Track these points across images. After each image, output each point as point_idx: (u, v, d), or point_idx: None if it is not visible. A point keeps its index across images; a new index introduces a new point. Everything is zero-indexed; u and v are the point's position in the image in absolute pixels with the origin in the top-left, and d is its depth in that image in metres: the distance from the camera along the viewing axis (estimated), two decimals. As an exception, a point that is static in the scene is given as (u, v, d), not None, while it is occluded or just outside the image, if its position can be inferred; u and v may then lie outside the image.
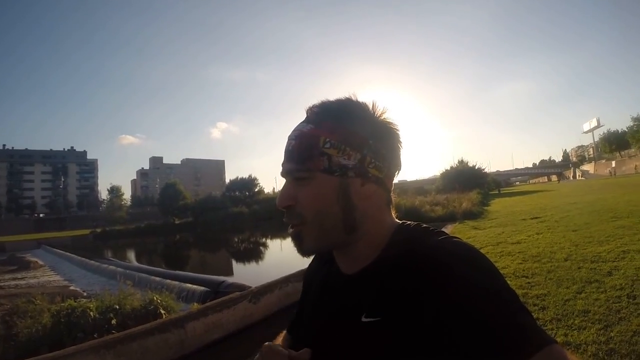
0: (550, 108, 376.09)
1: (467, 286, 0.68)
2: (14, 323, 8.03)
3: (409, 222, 0.93)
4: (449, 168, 52.76)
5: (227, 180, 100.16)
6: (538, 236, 10.43)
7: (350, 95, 0.90)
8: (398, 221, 0.94)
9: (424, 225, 0.91)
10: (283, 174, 0.91)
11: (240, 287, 9.58)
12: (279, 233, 32.61)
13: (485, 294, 0.67)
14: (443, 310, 0.67)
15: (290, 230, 0.89)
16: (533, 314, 3.45)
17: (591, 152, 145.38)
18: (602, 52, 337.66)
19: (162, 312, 7.89)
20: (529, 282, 6.22)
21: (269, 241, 34.62)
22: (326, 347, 0.86)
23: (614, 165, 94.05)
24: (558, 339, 4.01)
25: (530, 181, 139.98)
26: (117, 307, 7.70)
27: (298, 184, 0.87)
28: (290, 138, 0.90)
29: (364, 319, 0.80)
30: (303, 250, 0.89)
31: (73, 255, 28.95)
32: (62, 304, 7.76)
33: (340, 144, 0.85)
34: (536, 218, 14.65)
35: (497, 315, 0.63)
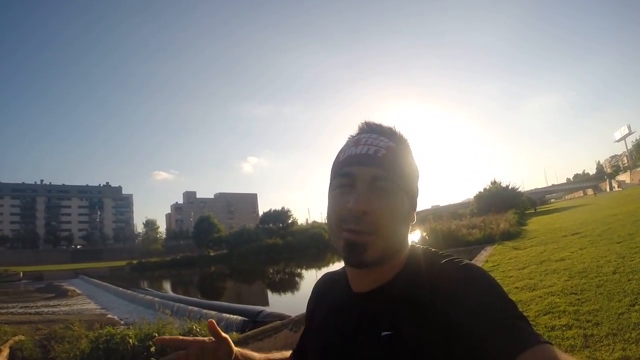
0: (579, 119, 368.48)
1: (472, 299, 0.78)
2: (52, 347, 8.23)
3: (418, 245, 1.00)
4: (482, 190, 52.28)
5: (260, 213, 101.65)
6: (582, 251, 10.07)
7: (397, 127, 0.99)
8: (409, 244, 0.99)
9: (433, 250, 0.98)
10: (359, 176, 0.89)
11: (279, 317, 9.55)
12: (314, 263, 32.87)
13: (486, 305, 0.77)
14: (451, 321, 0.77)
15: (353, 238, 0.87)
16: (586, 330, 3.33)
17: (625, 161, 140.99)
18: (626, 56, 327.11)
19: (202, 340, 7.84)
20: (578, 299, 5.95)
21: (303, 271, 34.95)
22: None
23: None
24: (616, 354, 3.84)
25: (566, 197, 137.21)
26: (156, 335, 7.69)
27: (375, 193, 0.88)
28: (372, 144, 0.93)
29: (383, 333, 0.85)
30: (362, 261, 0.87)
31: (110, 284, 29.62)
32: (101, 331, 7.85)
33: (414, 171, 0.97)
34: (577, 233, 14.21)
35: (496, 321, 0.73)
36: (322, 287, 1.15)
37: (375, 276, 0.92)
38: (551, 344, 0.70)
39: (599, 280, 6.78)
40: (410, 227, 0.97)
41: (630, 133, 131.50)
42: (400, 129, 0.98)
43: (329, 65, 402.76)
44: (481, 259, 13.12)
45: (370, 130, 0.97)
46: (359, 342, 0.89)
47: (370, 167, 0.89)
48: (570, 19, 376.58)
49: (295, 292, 23.28)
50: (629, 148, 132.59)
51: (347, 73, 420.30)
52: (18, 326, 11.93)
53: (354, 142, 0.95)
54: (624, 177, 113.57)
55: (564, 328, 4.82)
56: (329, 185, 0.99)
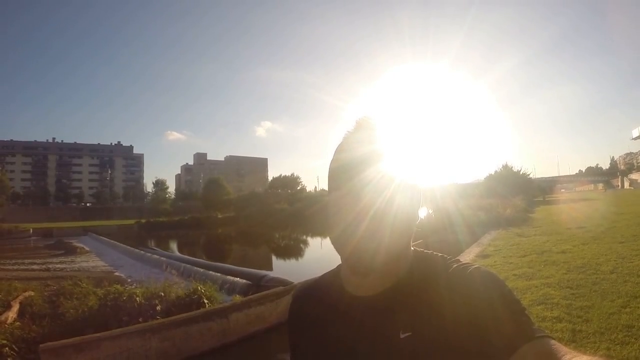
0: (599, 112, 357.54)
1: (481, 298, 0.81)
2: (60, 303, 8.38)
3: (421, 249, 1.00)
4: (493, 172, 52.00)
5: (270, 178, 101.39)
6: (584, 247, 10.19)
7: None
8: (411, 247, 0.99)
9: (440, 254, 0.98)
10: (362, 179, 0.88)
11: (282, 282, 9.78)
12: (320, 231, 32.86)
13: (494, 302, 0.80)
14: (463, 318, 0.80)
15: (361, 244, 0.86)
16: (575, 325, 3.58)
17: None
18: None
19: (206, 301, 8.10)
20: (573, 293, 6.11)
21: (309, 239, 34.86)
22: None
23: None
24: (600, 352, 3.98)
25: (576, 189, 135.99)
26: (162, 294, 7.97)
27: (381, 195, 0.87)
28: (370, 143, 0.92)
29: (402, 335, 0.85)
30: (372, 269, 0.87)
31: (118, 243, 30.06)
32: (109, 288, 8.08)
33: (413, 169, 0.95)
34: (582, 228, 14.29)
35: (503, 316, 0.78)
36: (305, 302, 1.09)
37: (383, 278, 0.92)
38: (552, 338, 0.74)
39: (596, 278, 6.91)
40: (415, 225, 0.93)
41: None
42: (394, 124, 0.96)
43: (354, 37, 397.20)
44: (484, 242, 13.31)
45: (366, 129, 0.95)
46: (376, 346, 0.87)
47: (372, 168, 0.87)
48: (599, 11, 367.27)
49: (300, 259, 23.33)
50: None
51: (371, 45, 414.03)
52: (28, 282, 12.05)
53: (351, 143, 0.93)
54: (637, 176, 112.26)
55: (554, 320, 4.98)
56: (328, 184, 0.95)
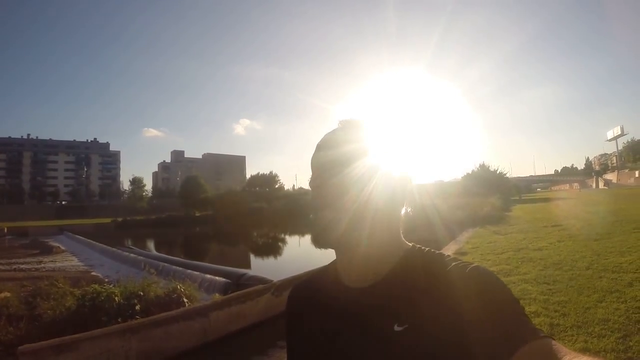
0: (574, 114, 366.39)
1: (479, 297, 0.81)
2: (37, 304, 8.22)
3: (419, 246, 1.00)
4: (470, 172, 52.59)
5: (248, 176, 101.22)
6: (559, 244, 10.40)
7: None
8: (409, 243, 1.00)
9: (438, 252, 0.97)
10: (322, 171, 0.96)
11: (261, 280, 9.72)
12: (298, 229, 32.93)
13: (492, 302, 0.80)
14: (459, 316, 0.80)
15: (316, 221, 0.95)
16: (553, 319, 3.64)
17: (614, 161, 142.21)
18: (627, 57, 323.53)
19: (185, 300, 8.04)
20: (550, 289, 6.23)
21: (287, 237, 34.89)
22: None
23: (637, 175, 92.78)
24: (577, 345, 4.11)
25: (552, 188, 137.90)
26: (141, 293, 7.89)
27: (335, 184, 0.94)
28: (338, 141, 0.97)
29: (396, 328, 0.84)
30: (322, 241, 0.94)
31: (94, 242, 29.59)
32: (87, 289, 7.95)
33: (383, 159, 0.97)
34: (557, 226, 14.55)
35: (501, 317, 0.77)
36: (301, 298, 1.11)
37: (375, 268, 0.94)
38: (552, 338, 0.74)
39: (572, 274, 7.06)
40: (398, 214, 0.98)
41: (622, 134, 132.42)
42: (376, 123, 1.00)
43: (334, 36, 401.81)
44: (462, 240, 13.49)
45: (352, 128, 0.99)
46: (369, 338, 0.88)
47: (357, 163, 0.92)
48: (576, 13, 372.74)
49: (278, 257, 23.42)
50: (619, 148, 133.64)
51: (352, 44, 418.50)
52: (3, 283, 11.73)
53: (338, 140, 0.97)
54: (611, 176, 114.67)
55: (532, 315, 5.05)
56: (315, 177, 1.00)
